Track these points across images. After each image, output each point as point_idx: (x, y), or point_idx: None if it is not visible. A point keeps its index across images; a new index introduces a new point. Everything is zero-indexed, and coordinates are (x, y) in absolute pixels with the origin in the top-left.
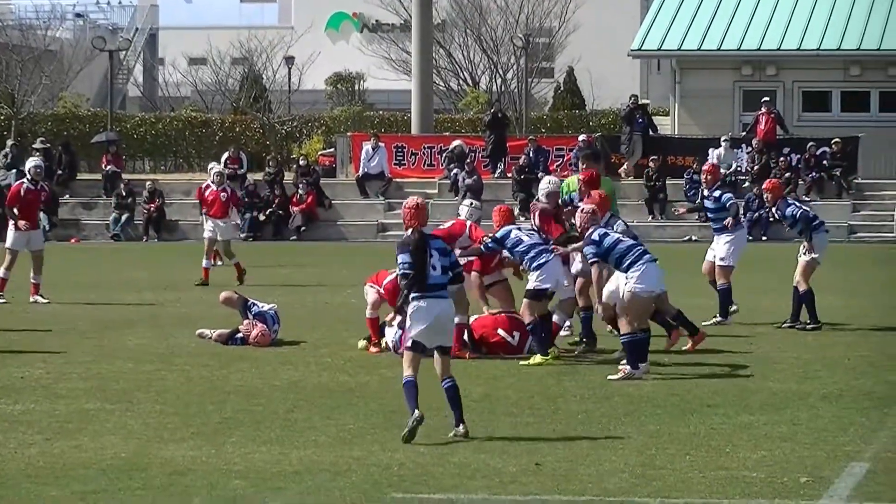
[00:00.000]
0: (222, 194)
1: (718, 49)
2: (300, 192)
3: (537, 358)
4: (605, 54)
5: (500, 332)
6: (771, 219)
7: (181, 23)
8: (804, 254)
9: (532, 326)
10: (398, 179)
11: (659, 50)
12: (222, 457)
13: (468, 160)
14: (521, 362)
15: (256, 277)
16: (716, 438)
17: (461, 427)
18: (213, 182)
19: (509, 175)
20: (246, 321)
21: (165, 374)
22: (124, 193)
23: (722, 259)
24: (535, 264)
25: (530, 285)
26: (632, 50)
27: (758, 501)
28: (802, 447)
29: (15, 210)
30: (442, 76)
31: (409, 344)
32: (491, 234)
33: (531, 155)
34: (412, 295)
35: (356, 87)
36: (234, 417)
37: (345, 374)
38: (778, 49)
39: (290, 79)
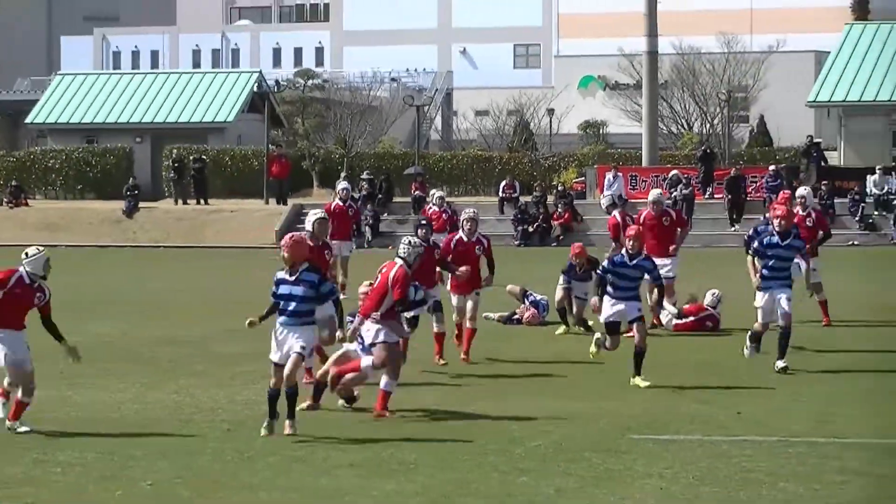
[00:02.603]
0: (349, 210)
1: (874, 100)
2: (559, 210)
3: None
4: (788, 104)
5: None
6: None
7: (470, 84)
8: None
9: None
10: (632, 200)
11: (829, 101)
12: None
13: (683, 181)
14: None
15: (533, 274)
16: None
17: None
18: (339, 198)
19: (718, 196)
20: (522, 306)
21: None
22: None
23: None
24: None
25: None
26: (808, 101)
27: None
28: None
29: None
30: (664, 123)
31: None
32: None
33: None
34: None
35: (601, 132)
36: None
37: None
38: None
39: (551, 125)
